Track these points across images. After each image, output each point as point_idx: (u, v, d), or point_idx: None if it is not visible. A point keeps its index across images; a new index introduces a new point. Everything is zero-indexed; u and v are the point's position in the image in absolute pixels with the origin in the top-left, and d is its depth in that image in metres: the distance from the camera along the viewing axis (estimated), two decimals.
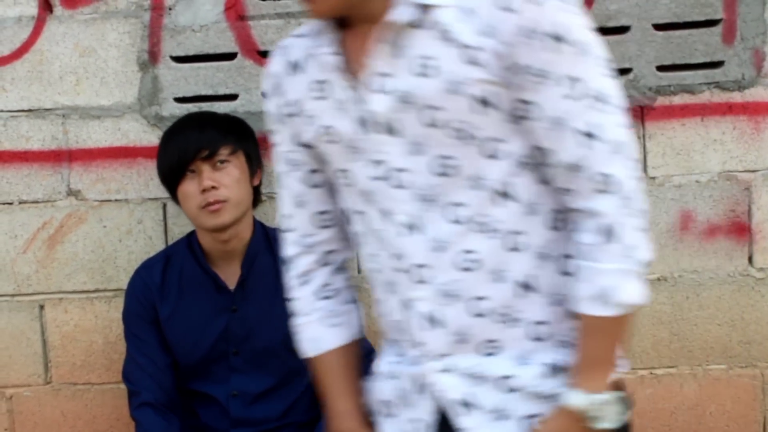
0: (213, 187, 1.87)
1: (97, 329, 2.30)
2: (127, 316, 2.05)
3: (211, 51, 2.19)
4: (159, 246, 2.23)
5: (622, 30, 2.12)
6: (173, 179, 1.93)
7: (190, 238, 2.05)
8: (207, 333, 1.99)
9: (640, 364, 2.21)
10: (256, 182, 2.02)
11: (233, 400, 2.00)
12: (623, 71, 2.12)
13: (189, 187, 1.91)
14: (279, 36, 2.16)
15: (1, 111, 2.25)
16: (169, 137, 1.98)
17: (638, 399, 2.19)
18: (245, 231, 1.99)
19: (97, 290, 2.28)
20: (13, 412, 2.35)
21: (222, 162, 1.90)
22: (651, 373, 2.22)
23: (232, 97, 2.20)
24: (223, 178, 1.89)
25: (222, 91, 2.20)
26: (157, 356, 2.00)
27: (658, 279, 2.18)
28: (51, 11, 2.22)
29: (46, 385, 2.34)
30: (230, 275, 2.00)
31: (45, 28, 2.22)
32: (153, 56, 2.21)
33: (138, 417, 1.97)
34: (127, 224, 2.26)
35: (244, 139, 1.99)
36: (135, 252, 2.25)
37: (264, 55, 2.18)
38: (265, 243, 2.02)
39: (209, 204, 1.88)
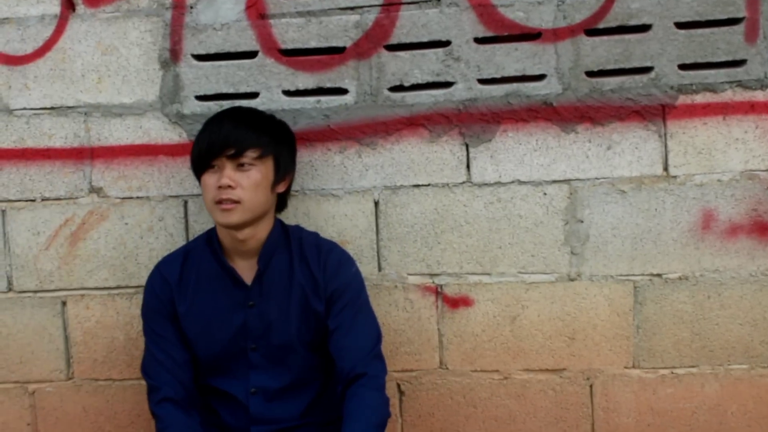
0: (229, 186, 1.88)
1: (119, 326, 2.31)
2: (146, 312, 2.04)
3: (232, 49, 2.20)
4: (180, 243, 2.24)
5: (644, 28, 2.11)
6: (199, 168, 1.95)
7: (210, 234, 2.05)
8: (224, 328, 1.98)
9: (661, 363, 2.20)
10: (280, 189, 2.01)
11: (253, 397, 1.99)
12: (644, 70, 2.12)
13: (209, 180, 1.91)
14: (300, 34, 2.17)
15: (24, 109, 2.27)
16: (205, 127, 1.97)
17: (659, 398, 2.19)
18: (262, 231, 1.98)
19: (118, 287, 2.30)
20: (35, 407, 2.37)
21: (245, 164, 1.90)
22: (672, 373, 2.20)
23: (253, 95, 2.20)
24: (243, 180, 1.89)
25: (243, 89, 2.21)
26: (175, 352, 2.00)
27: (680, 278, 2.17)
28: (73, 10, 2.23)
29: (68, 381, 2.36)
30: (247, 271, 2.00)
31: (67, 27, 2.24)
32: (174, 54, 2.21)
33: (158, 412, 1.97)
34: (149, 221, 2.28)
35: (278, 145, 1.97)
36: (156, 249, 2.27)
37: (286, 53, 2.18)
38: (284, 240, 2.02)
39: (222, 201, 1.89)
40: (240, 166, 1.89)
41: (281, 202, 2.07)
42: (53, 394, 2.36)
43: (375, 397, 1.93)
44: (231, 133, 1.90)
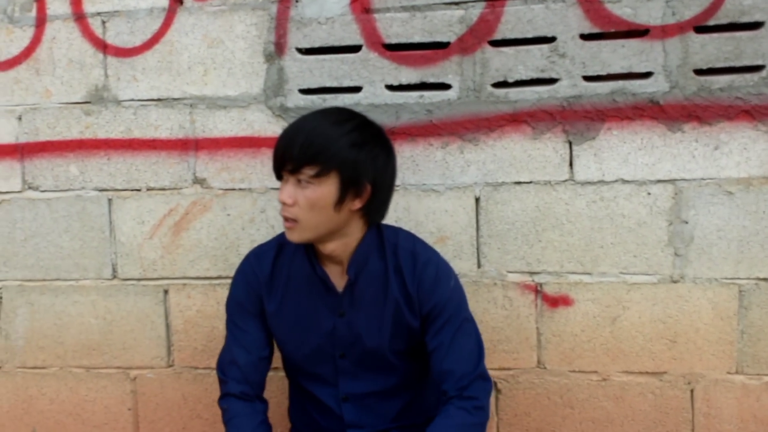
0: (286, 203, 1.76)
1: (219, 315, 2.34)
2: (231, 304, 1.96)
3: (336, 43, 2.21)
4: None
5: (756, 26, 2.06)
6: (277, 177, 1.83)
7: None
8: (313, 333, 1.92)
9: (765, 370, 2.15)
10: (356, 206, 1.79)
11: (345, 404, 1.94)
12: (756, 68, 2.07)
13: (280, 190, 1.79)
14: (404, 29, 2.17)
15: (132, 100, 2.31)
16: (279, 138, 1.81)
17: (762, 406, 2.14)
18: (349, 243, 1.85)
19: (219, 277, 2.33)
20: (136, 392, 2.43)
21: (302, 181, 1.73)
22: None
23: (356, 89, 2.21)
24: (300, 197, 1.74)
25: (346, 83, 2.21)
26: (252, 348, 1.93)
27: None
28: (181, 3, 2.27)
29: (169, 368, 2.40)
30: (339, 277, 1.90)
31: (175, 20, 2.28)
32: (279, 48, 2.24)
33: (223, 405, 1.93)
34: (250, 213, 2.30)
35: (348, 158, 1.73)
36: (257, 240, 2.28)
37: (389, 48, 2.19)
38: (378, 247, 1.89)
39: (285, 217, 1.79)
40: (299, 182, 1.74)
41: (370, 214, 1.84)
42: (154, 381, 2.41)
43: (465, 417, 1.82)
44: (290, 147, 1.74)
